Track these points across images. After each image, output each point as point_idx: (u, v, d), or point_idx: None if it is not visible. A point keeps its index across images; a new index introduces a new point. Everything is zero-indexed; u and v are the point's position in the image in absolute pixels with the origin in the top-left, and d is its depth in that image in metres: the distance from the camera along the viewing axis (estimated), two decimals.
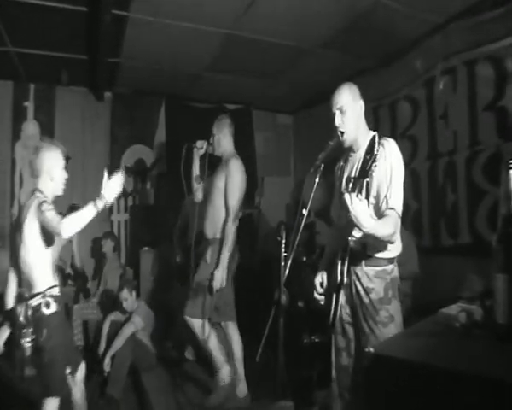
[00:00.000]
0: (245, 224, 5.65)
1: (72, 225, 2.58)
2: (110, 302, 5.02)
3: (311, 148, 6.75)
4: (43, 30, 4.47)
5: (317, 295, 2.76)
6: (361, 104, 2.53)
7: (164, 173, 6.54)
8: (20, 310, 2.65)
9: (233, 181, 3.66)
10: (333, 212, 2.84)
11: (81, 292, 5.48)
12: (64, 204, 6.05)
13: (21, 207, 2.81)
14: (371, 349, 1.49)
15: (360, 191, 2.18)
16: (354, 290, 2.48)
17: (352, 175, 2.48)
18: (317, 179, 2.48)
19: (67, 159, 6.02)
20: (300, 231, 2.55)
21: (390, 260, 2.44)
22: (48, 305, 2.63)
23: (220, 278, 3.59)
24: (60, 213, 5.42)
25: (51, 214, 2.58)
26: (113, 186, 2.73)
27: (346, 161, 2.64)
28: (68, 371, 2.74)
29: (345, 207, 2.07)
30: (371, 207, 2.37)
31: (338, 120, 2.50)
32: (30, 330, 2.62)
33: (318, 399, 3.60)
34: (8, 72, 5.54)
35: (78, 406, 2.89)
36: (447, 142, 4.48)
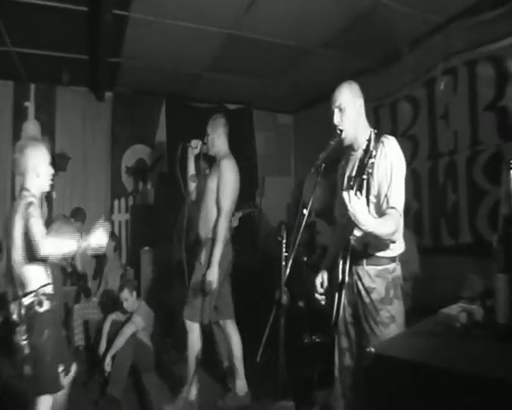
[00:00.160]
0: (245, 224, 5.67)
1: (52, 248, 2.64)
2: (111, 302, 5.02)
3: (311, 148, 6.75)
4: (44, 30, 4.47)
5: (317, 296, 2.73)
6: (361, 102, 2.52)
7: (164, 173, 6.54)
8: (14, 308, 2.67)
9: (225, 181, 3.64)
10: (336, 211, 2.83)
11: (82, 292, 5.47)
12: (64, 204, 6.10)
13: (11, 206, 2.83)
14: (372, 349, 1.49)
15: (360, 190, 2.15)
16: (356, 290, 2.46)
17: (353, 174, 2.47)
18: (317, 179, 2.47)
19: (67, 159, 6.08)
20: (301, 230, 2.55)
21: (392, 259, 2.42)
22: (40, 303, 2.65)
23: (212, 279, 3.55)
24: (63, 216, 5.46)
25: (36, 227, 2.60)
26: (99, 237, 2.81)
27: (347, 160, 2.63)
28: (61, 369, 2.74)
29: (343, 206, 2.06)
30: (372, 206, 2.36)
31: (337, 118, 2.49)
32: (23, 328, 2.63)
33: (319, 399, 3.60)
34: (8, 72, 5.55)
35: (59, 405, 2.89)
36: (448, 142, 4.48)
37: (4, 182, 5.75)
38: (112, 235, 5.87)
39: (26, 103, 5.97)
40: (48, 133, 6.06)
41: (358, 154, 2.47)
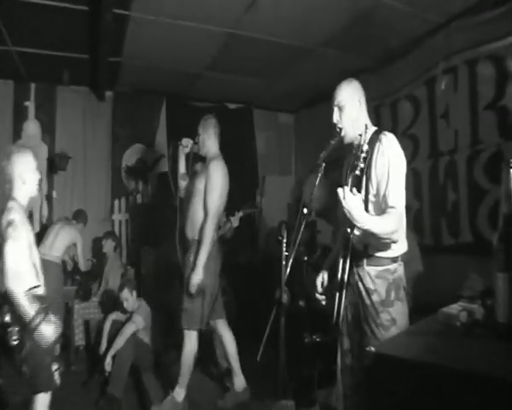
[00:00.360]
0: (246, 223, 5.67)
1: (19, 285, 2.58)
2: (111, 302, 5.03)
3: (312, 147, 6.78)
4: (44, 29, 4.48)
5: (317, 295, 2.70)
6: (361, 100, 2.47)
7: (165, 173, 6.54)
8: (6, 310, 2.69)
9: (212, 184, 3.60)
10: (338, 211, 2.81)
11: (83, 292, 5.48)
12: (65, 203, 6.10)
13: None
14: (372, 348, 1.49)
15: (355, 187, 2.12)
16: (357, 291, 2.42)
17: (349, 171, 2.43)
18: (318, 178, 2.44)
19: (68, 158, 6.09)
20: (301, 230, 2.55)
21: (393, 260, 2.37)
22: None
23: (196, 281, 3.51)
24: (66, 218, 5.47)
25: (11, 253, 2.58)
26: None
27: (347, 159, 2.61)
28: (55, 367, 2.78)
29: (338, 202, 2.04)
30: (371, 205, 2.33)
31: (336, 117, 2.46)
32: (16, 329, 2.64)
33: (319, 398, 3.60)
34: (9, 71, 5.55)
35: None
36: (448, 141, 4.47)
37: (4, 182, 5.74)
38: (112, 235, 5.88)
39: (27, 103, 5.97)
40: (48, 133, 6.07)
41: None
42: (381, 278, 2.35)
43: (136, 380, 4.35)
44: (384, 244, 2.31)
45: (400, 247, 2.38)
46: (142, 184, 6.57)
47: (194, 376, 4.16)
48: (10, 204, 2.74)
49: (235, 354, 3.91)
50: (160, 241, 5.91)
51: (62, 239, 5.11)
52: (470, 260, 4.00)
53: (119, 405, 3.89)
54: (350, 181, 2.16)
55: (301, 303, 4.59)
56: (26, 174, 2.83)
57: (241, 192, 6.84)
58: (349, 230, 2.33)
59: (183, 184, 4.04)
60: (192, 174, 3.97)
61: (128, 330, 4.29)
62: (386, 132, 2.38)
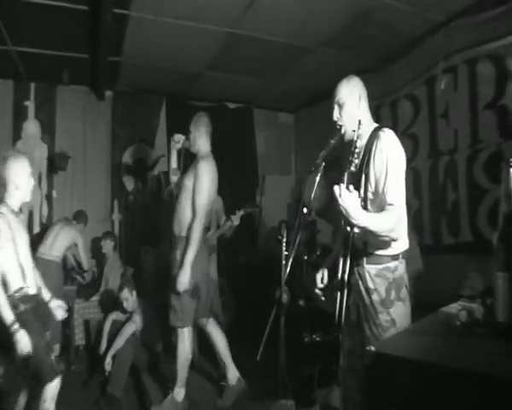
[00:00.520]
0: (246, 223, 5.68)
1: None
2: (111, 302, 5.03)
3: (312, 146, 6.77)
4: (44, 29, 4.48)
5: (316, 291, 2.65)
6: (361, 97, 2.44)
7: (165, 172, 6.53)
8: None
9: (200, 182, 3.58)
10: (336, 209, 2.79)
11: (86, 290, 5.49)
12: (64, 203, 6.10)
13: None
14: (372, 348, 1.49)
15: (354, 184, 2.09)
16: (357, 290, 2.38)
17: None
18: (317, 178, 2.43)
19: (68, 158, 6.09)
20: (301, 229, 2.54)
21: (394, 257, 2.32)
22: (16, 306, 2.73)
23: (183, 280, 3.50)
24: (66, 219, 5.50)
25: None
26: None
27: (346, 156, 2.58)
28: (53, 356, 2.92)
29: (334, 200, 2.01)
30: (370, 203, 2.30)
31: (336, 114, 2.44)
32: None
33: (319, 397, 3.60)
34: (8, 71, 5.55)
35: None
36: (448, 140, 4.48)
37: None
38: (110, 235, 5.88)
39: (27, 102, 5.97)
40: (48, 132, 6.07)
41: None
42: (381, 276, 2.31)
43: (136, 380, 4.35)
44: (384, 242, 2.27)
45: (401, 244, 2.35)
46: (142, 184, 6.56)
47: (193, 376, 4.17)
48: (1, 207, 2.82)
49: (225, 350, 3.93)
50: (160, 241, 5.91)
51: (62, 240, 5.12)
52: (470, 259, 4.00)
53: (119, 404, 3.89)
54: (346, 178, 2.12)
55: (301, 303, 4.59)
56: (19, 180, 2.89)
57: (241, 191, 6.85)
58: (349, 228, 2.30)
59: (174, 179, 4.06)
60: (183, 170, 3.98)
61: (128, 330, 4.29)
62: (386, 129, 2.34)
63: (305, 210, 2.54)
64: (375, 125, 2.45)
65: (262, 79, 6.07)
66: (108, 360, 4.15)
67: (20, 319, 2.72)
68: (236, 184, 6.88)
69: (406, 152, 2.35)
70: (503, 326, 1.45)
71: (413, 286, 3.97)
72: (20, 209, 3.12)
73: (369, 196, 2.31)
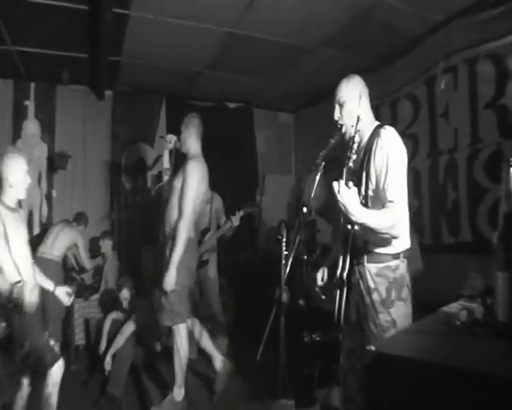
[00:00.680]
0: (246, 223, 5.67)
1: None
2: (111, 301, 5.03)
3: (312, 146, 6.77)
4: (44, 28, 4.47)
5: (317, 289, 2.65)
6: (362, 96, 2.42)
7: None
8: None
9: (187, 183, 3.59)
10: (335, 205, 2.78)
11: (82, 290, 5.48)
12: (64, 202, 6.10)
13: None
14: (372, 347, 1.48)
15: (354, 181, 2.09)
16: (357, 290, 2.37)
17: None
18: (317, 177, 2.42)
19: (67, 157, 6.09)
20: (301, 229, 2.54)
21: (394, 256, 2.31)
22: (11, 301, 2.76)
23: (169, 280, 3.51)
24: (66, 220, 5.52)
25: None
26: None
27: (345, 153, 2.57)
28: (53, 342, 2.99)
29: (333, 196, 2.01)
30: (370, 200, 2.30)
31: (337, 113, 2.44)
32: (2, 324, 2.79)
33: (319, 397, 3.60)
34: (8, 70, 5.55)
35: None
36: (448, 140, 4.48)
37: None
38: (109, 234, 5.88)
39: (26, 102, 5.96)
40: (48, 132, 6.06)
41: (361, 148, 2.38)
42: (382, 275, 2.30)
43: (136, 379, 4.35)
44: (384, 240, 2.27)
45: (402, 243, 2.34)
46: (142, 183, 6.56)
47: (193, 375, 4.18)
48: None
49: (206, 340, 3.99)
50: (160, 240, 5.90)
51: (63, 240, 5.13)
52: (470, 259, 4.00)
53: (119, 404, 3.89)
54: (344, 174, 2.11)
55: (301, 302, 4.59)
56: (14, 178, 2.92)
57: (241, 191, 6.85)
58: (349, 226, 2.30)
59: (165, 178, 4.09)
60: (174, 171, 4.00)
61: (128, 330, 4.29)
62: (387, 127, 2.34)
63: (304, 210, 2.54)
64: (377, 123, 2.45)
65: (262, 78, 6.07)
66: (108, 359, 4.15)
67: (18, 312, 2.75)
68: (236, 184, 6.88)
69: (406, 152, 2.35)
70: (503, 326, 1.45)
71: (413, 286, 3.98)
72: (20, 206, 3.14)
73: (370, 193, 2.30)
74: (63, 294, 3.22)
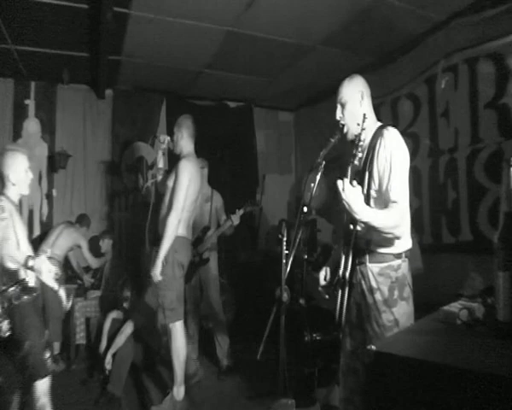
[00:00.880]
0: (246, 222, 5.67)
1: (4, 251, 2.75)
2: (111, 301, 5.03)
3: (312, 145, 6.79)
4: (44, 28, 4.47)
5: (320, 289, 2.63)
6: (364, 95, 2.43)
7: (165, 171, 6.53)
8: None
9: (178, 182, 3.62)
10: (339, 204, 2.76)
11: (82, 290, 5.49)
12: (65, 201, 6.10)
13: None
14: (372, 347, 1.48)
15: (357, 180, 2.07)
16: (359, 290, 2.38)
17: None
18: (318, 177, 2.42)
19: (68, 156, 6.10)
20: (302, 228, 2.53)
21: (397, 256, 2.32)
22: (18, 297, 2.76)
23: (154, 273, 3.52)
24: (69, 222, 5.54)
25: None
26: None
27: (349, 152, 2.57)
28: (48, 355, 2.89)
29: (338, 195, 2.00)
30: (373, 200, 2.30)
31: (338, 113, 2.43)
32: (6, 321, 2.75)
33: (319, 396, 3.60)
34: (9, 69, 5.54)
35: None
36: (448, 139, 4.47)
37: None
38: (109, 233, 5.88)
39: (27, 101, 5.96)
40: (48, 131, 6.06)
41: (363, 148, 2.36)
42: (384, 275, 2.30)
43: (136, 379, 4.35)
44: (387, 240, 2.27)
45: (404, 243, 2.35)
46: (143, 183, 6.56)
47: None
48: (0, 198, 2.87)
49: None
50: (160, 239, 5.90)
51: (64, 240, 5.15)
52: (470, 258, 4.00)
53: (119, 403, 3.89)
54: (349, 172, 2.11)
55: (301, 302, 4.59)
56: (16, 175, 2.93)
57: (242, 190, 6.85)
58: (352, 225, 2.30)
59: (159, 178, 4.11)
60: (164, 171, 4.08)
61: (128, 329, 4.29)
62: (390, 127, 2.35)
63: (305, 209, 2.54)
64: (379, 123, 2.45)
65: (262, 77, 6.07)
66: (108, 358, 4.15)
67: (22, 310, 2.75)
68: (236, 183, 6.88)
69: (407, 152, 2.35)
70: (503, 326, 1.45)
71: (413, 285, 3.98)
72: (20, 206, 3.14)
73: (373, 193, 2.31)
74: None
